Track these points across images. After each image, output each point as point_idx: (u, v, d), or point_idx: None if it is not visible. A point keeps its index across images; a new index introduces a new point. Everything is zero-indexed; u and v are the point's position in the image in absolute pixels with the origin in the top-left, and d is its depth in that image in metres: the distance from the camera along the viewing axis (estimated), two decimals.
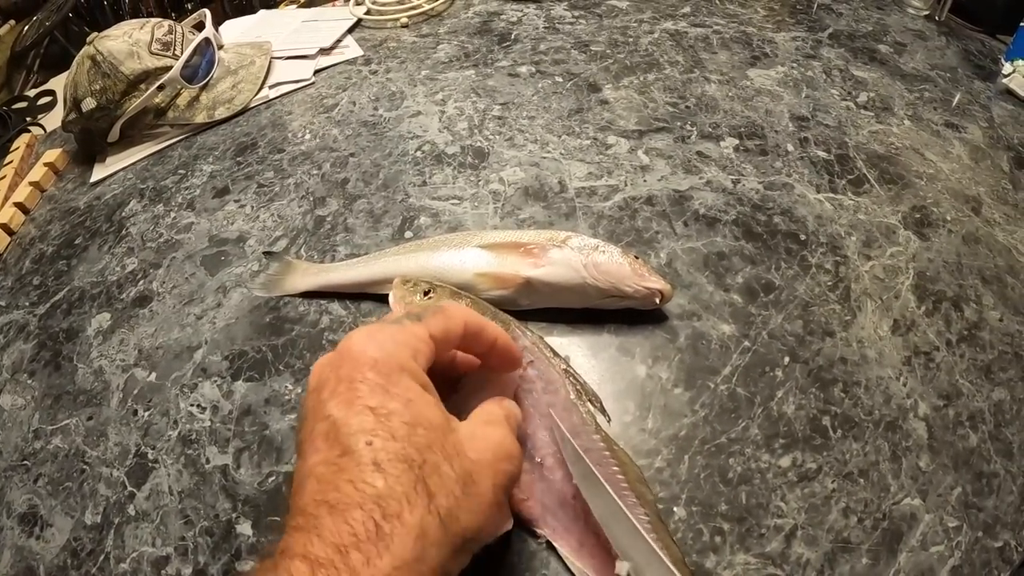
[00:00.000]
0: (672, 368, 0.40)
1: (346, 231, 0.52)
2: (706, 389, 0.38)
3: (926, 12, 0.76)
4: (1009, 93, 0.62)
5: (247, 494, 0.37)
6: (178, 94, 0.67)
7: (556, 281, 0.41)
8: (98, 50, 0.63)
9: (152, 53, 0.65)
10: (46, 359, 0.47)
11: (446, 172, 0.56)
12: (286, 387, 0.41)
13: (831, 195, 0.51)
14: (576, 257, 0.41)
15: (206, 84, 0.69)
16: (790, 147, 0.56)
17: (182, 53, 0.66)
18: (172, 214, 0.57)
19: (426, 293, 0.38)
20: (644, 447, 0.36)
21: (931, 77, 0.64)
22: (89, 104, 0.63)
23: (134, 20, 0.68)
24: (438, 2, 0.84)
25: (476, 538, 0.24)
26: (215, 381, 0.43)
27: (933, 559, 0.31)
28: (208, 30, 0.70)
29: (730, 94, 0.63)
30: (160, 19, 0.69)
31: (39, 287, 0.53)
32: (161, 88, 0.65)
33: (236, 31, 0.87)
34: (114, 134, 0.66)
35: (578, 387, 0.34)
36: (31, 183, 0.64)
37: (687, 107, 0.61)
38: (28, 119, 0.81)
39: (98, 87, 0.63)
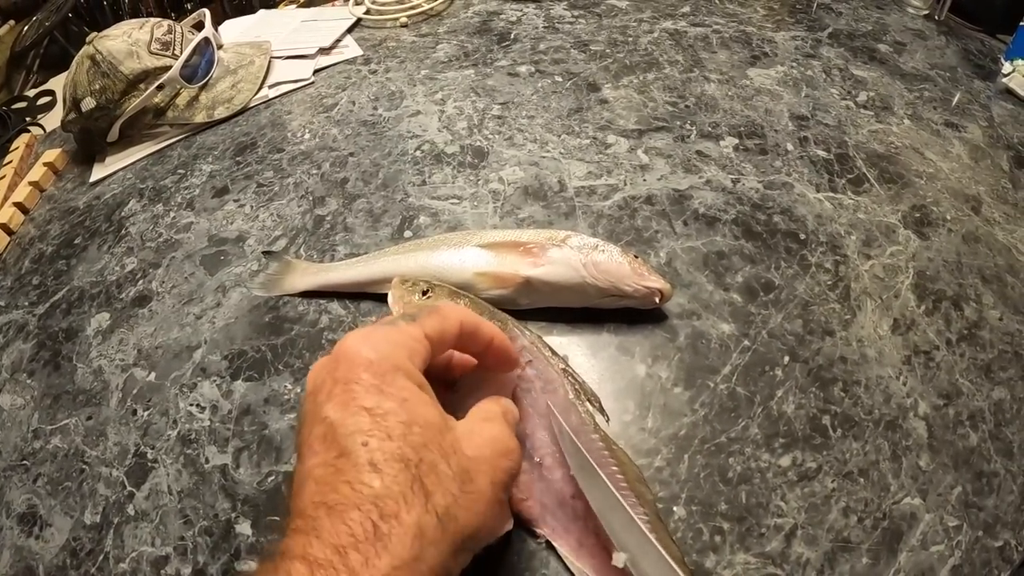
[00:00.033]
0: (672, 367, 0.40)
1: (345, 231, 0.52)
2: (706, 388, 0.38)
3: (926, 11, 0.76)
4: (1009, 92, 0.62)
5: (246, 494, 0.37)
6: (177, 94, 0.67)
7: (555, 280, 0.41)
8: (97, 50, 0.63)
9: (151, 53, 0.65)
10: (45, 359, 0.47)
11: (445, 171, 0.56)
12: (285, 386, 0.41)
13: (831, 194, 0.51)
14: (575, 256, 0.41)
15: (205, 84, 0.69)
16: (790, 146, 0.56)
17: (181, 53, 0.66)
18: (171, 214, 0.57)
19: (424, 293, 0.38)
20: (644, 446, 0.36)
21: (931, 76, 0.64)
22: (88, 104, 0.63)
23: (133, 20, 0.68)
24: (437, 2, 0.84)
25: (476, 536, 0.24)
26: (214, 381, 0.43)
27: (933, 558, 0.31)
28: (207, 30, 0.70)
29: (730, 93, 0.63)
30: (159, 19, 0.69)
31: (38, 287, 0.53)
32: (160, 88, 0.65)
33: (235, 31, 0.87)
34: (113, 134, 0.66)
35: (577, 387, 0.34)
36: (31, 183, 0.64)
37: (687, 106, 0.61)
38: (28, 119, 0.81)
39: (97, 87, 0.63)
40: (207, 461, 0.38)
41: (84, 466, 0.40)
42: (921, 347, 0.40)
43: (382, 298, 0.41)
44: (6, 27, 1.21)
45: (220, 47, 0.73)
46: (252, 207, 0.56)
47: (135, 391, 0.43)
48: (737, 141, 0.57)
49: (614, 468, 0.31)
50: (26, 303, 0.52)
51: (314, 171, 0.59)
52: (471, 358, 0.32)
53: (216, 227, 0.55)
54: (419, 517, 0.22)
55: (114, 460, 0.40)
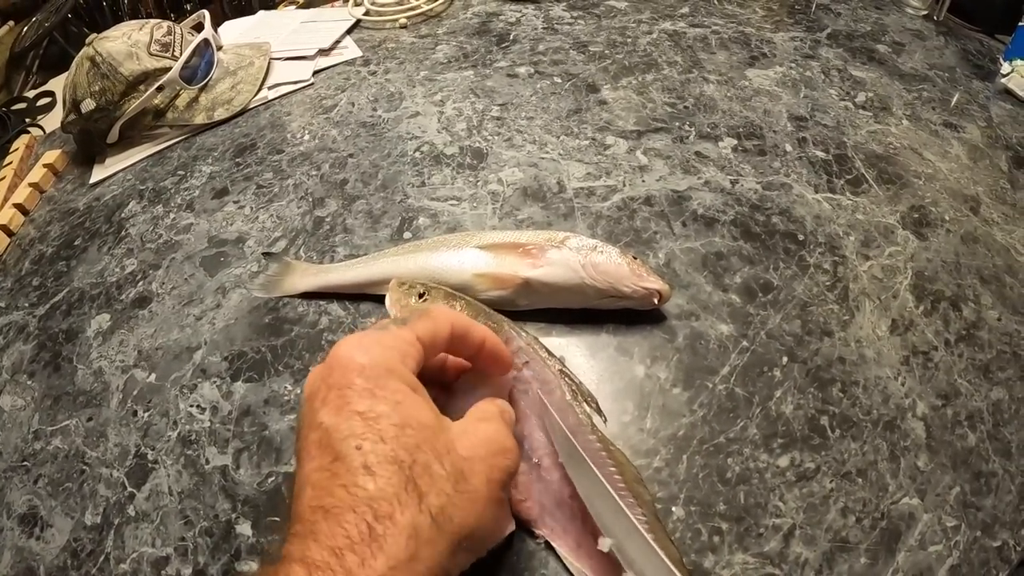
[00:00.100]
0: (670, 368, 0.40)
1: (345, 232, 0.52)
2: (704, 389, 0.38)
3: (925, 12, 0.76)
4: (1008, 93, 0.62)
5: (247, 494, 0.37)
6: (177, 95, 0.67)
7: (554, 281, 0.41)
8: (97, 51, 0.63)
9: (151, 54, 0.65)
10: (46, 360, 0.47)
11: (445, 173, 0.56)
12: (285, 387, 0.42)
13: (829, 195, 0.51)
14: (574, 257, 0.41)
15: (205, 85, 0.69)
16: (788, 147, 0.56)
17: (181, 54, 0.66)
18: (171, 215, 0.58)
19: (421, 295, 0.38)
20: (642, 447, 0.36)
21: (929, 77, 0.64)
22: (88, 105, 0.63)
23: (133, 21, 0.68)
24: (437, 3, 0.85)
25: (473, 536, 0.24)
26: (214, 382, 0.43)
27: (931, 558, 0.31)
28: (207, 31, 0.70)
29: (728, 94, 0.63)
30: (159, 20, 0.69)
31: (39, 288, 0.53)
32: (160, 89, 0.65)
33: (235, 32, 0.87)
34: (113, 135, 0.66)
35: (574, 387, 0.34)
36: (30, 184, 0.64)
37: (685, 107, 0.61)
38: (27, 120, 0.81)
39: (97, 88, 0.63)
40: (207, 462, 0.39)
41: (85, 467, 0.40)
42: (919, 347, 0.40)
43: (382, 299, 0.42)
44: (5, 28, 1.21)
45: (220, 48, 0.73)
46: (252, 208, 0.56)
47: (135, 392, 0.43)
48: (736, 142, 0.57)
49: (612, 469, 0.31)
50: (26, 304, 0.52)
51: (314, 172, 0.59)
52: (467, 362, 0.32)
53: (216, 228, 0.55)
54: (413, 517, 0.22)
55: (115, 461, 0.40)
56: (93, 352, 0.47)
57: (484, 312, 0.36)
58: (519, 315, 0.42)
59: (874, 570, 0.31)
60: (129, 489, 0.38)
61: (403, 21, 0.83)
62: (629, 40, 0.73)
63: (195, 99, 0.68)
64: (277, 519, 0.35)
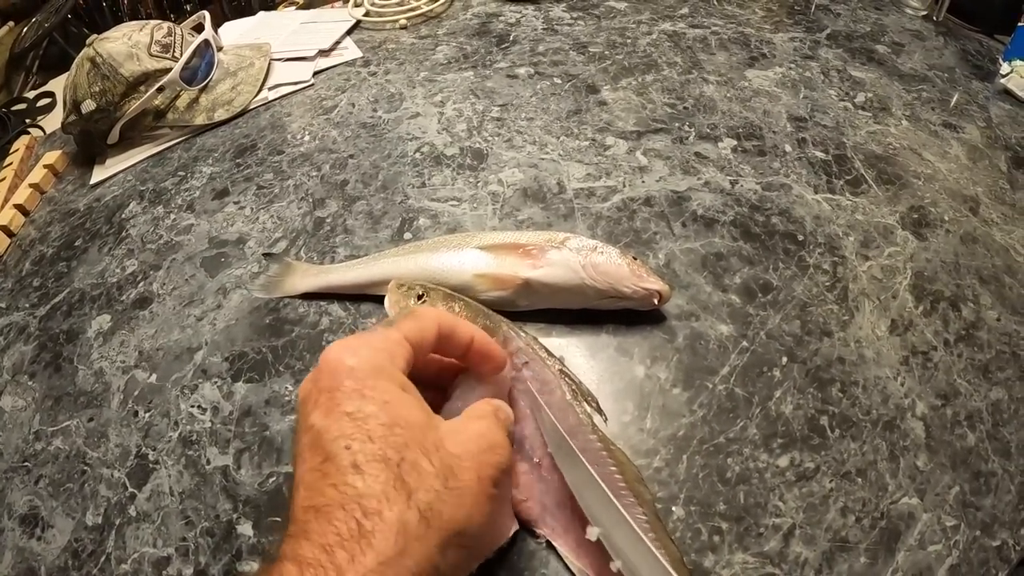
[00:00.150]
0: (670, 368, 0.40)
1: (345, 232, 0.52)
2: (704, 389, 0.39)
3: (924, 12, 0.76)
4: (1007, 93, 0.62)
5: (248, 495, 0.37)
6: (177, 96, 0.67)
7: (555, 282, 0.41)
8: (98, 52, 0.63)
9: (151, 55, 0.65)
10: (46, 361, 0.47)
11: (445, 173, 0.57)
12: (286, 388, 0.42)
13: (829, 195, 0.51)
14: (575, 258, 0.41)
15: (205, 86, 0.69)
16: (788, 148, 0.56)
17: (181, 55, 0.66)
18: (172, 216, 0.58)
19: (420, 297, 0.38)
20: (643, 447, 0.36)
21: (929, 77, 0.64)
22: (89, 106, 0.63)
23: (133, 22, 0.68)
24: (437, 4, 0.85)
25: (465, 532, 0.24)
26: (215, 382, 0.43)
27: (931, 558, 0.31)
28: (207, 32, 0.70)
29: (728, 95, 0.63)
30: (159, 21, 0.69)
31: (39, 289, 0.53)
32: (160, 90, 0.65)
33: (235, 33, 0.87)
34: (114, 136, 0.66)
35: (574, 387, 0.34)
36: (31, 185, 0.65)
37: (685, 108, 0.61)
38: (27, 121, 0.81)
39: (98, 89, 0.63)
40: (208, 462, 0.39)
41: (85, 467, 0.40)
42: (919, 348, 0.40)
43: (382, 300, 0.42)
44: (5, 28, 1.21)
45: (220, 49, 0.74)
46: (252, 209, 0.56)
47: (136, 393, 0.43)
48: (735, 142, 0.57)
49: (612, 469, 0.31)
50: (27, 305, 0.52)
51: (314, 173, 0.59)
52: (462, 364, 0.33)
53: (216, 229, 0.55)
54: (401, 513, 0.22)
55: (115, 461, 0.40)
56: (94, 353, 0.47)
57: (483, 313, 0.36)
58: (519, 315, 0.42)
59: (874, 570, 0.31)
60: (130, 489, 0.38)
61: (403, 22, 0.83)
62: (629, 41, 0.73)
63: (195, 100, 0.68)
64: (278, 519, 0.35)
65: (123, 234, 0.57)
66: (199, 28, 0.72)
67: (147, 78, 0.64)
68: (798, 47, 0.70)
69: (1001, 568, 0.31)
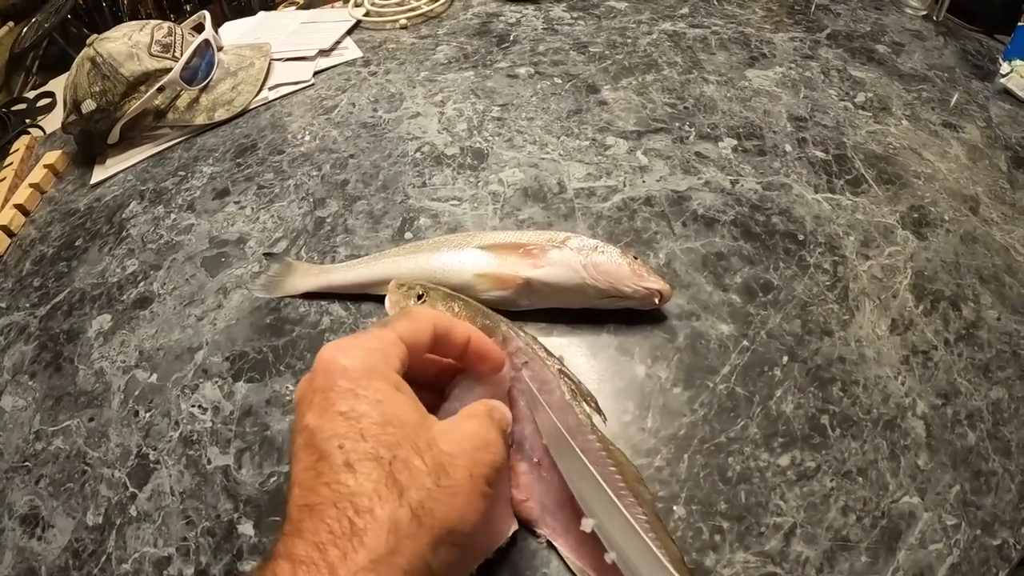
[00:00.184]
0: (671, 368, 0.40)
1: (346, 232, 0.52)
2: (705, 388, 0.39)
3: (924, 12, 0.76)
4: (1007, 93, 0.62)
5: (249, 494, 0.37)
6: (178, 96, 0.67)
7: (555, 281, 0.41)
8: (98, 52, 0.63)
9: (152, 55, 0.65)
10: (47, 360, 0.47)
11: (445, 173, 0.57)
12: (287, 388, 0.42)
13: (829, 195, 0.51)
14: (575, 258, 0.41)
15: (206, 86, 0.69)
16: (788, 147, 0.56)
17: (182, 55, 0.66)
18: (172, 216, 0.58)
19: (419, 297, 0.38)
20: (643, 446, 0.36)
21: (929, 77, 0.64)
22: (89, 106, 0.63)
23: (134, 22, 0.68)
24: (437, 3, 0.85)
25: (458, 530, 0.24)
26: (216, 382, 0.43)
27: (932, 557, 0.31)
28: (208, 32, 0.70)
29: (728, 95, 0.63)
30: (160, 21, 0.69)
31: (40, 288, 0.53)
32: (161, 90, 0.65)
33: (235, 33, 0.87)
34: (114, 136, 0.66)
35: (573, 387, 0.34)
36: (31, 185, 0.65)
37: (685, 108, 0.62)
38: (27, 121, 0.81)
39: (98, 89, 0.63)
40: (209, 462, 0.39)
41: (86, 467, 0.40)
42: (919, 347, 0.40)
43: (383, 299, 0.42)
44: (5, 28, 1.21)
45: (220, 49, 0.74)
46: (253, 209, 0.56)
47: (137, 392, 0.43)
48: (736, 142, 0.57)
49: (612, 469, 0.31)
50: (27, 305, 0.52)
51: (314, 173, 0.59)
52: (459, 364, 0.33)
53: (217, 229, 0.55)
54: (392, 511, 0.22)
55: (116, 461, 0.40)
56: (94, 352, 0.47)
57: (482, 312, 0.36)
58: (520, 315, 0.42)
59: (875, 569, 0.31)
60: (131, 489, 0.38)
61: (403, 22, 0.83)
62: (629, 41, 0.73)
63: (196, 100, 0.68)
64: (279, 519, 0.35)
65: (123, 234, 0.57)
66: (199, 28, 0.72)
67: (147, 78, 0.64)
68: (798, 47, 0.70)
69: (1002, 567, 0.31)
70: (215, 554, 0.34)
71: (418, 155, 0.59)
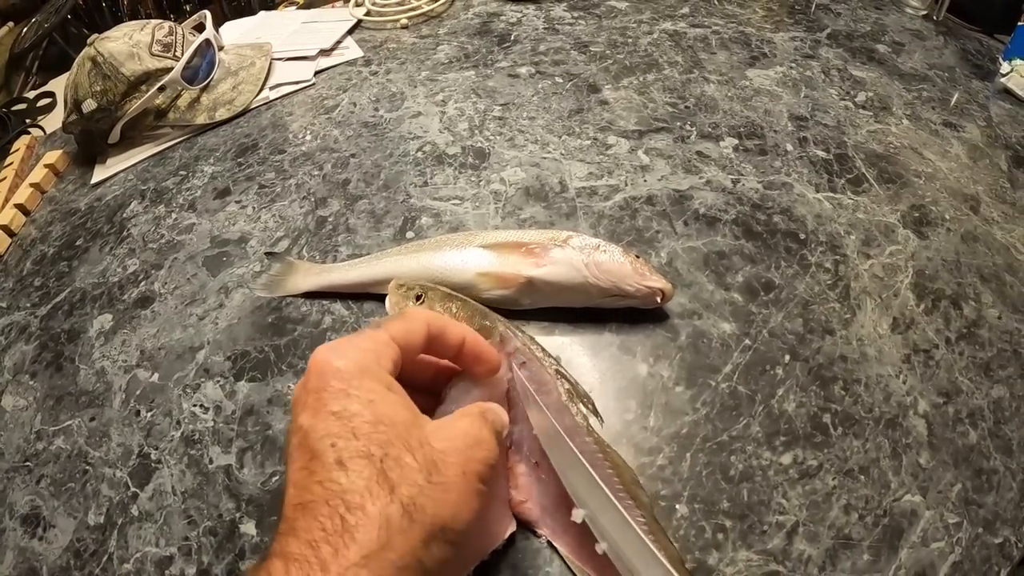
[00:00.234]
0: (673, 366, 0.40)
1: (348, 231, 0.52)
2: (707, 387, 0.39)
3: (924, 12, 0.76)
4: (1007, 92, 0.62)
5: (250, 494, 0.37)
6: (179, 95, 0.67)
7: (558, 280, 0.41)
8: (99, 51, 0.63)
9: (153, 54, 0.65)
10: (48, 360, 0.47)
11: (447, 172, 0.57)
12: (289, 387, 0.42)
13: (830, 194, 0.51)
14: (577, 256, 0.41)
15: (207, 85, 0.69)
16: (789, 147, 0.56)
17: (183, 54, 0.66)
18: (173, 215, 0.58)
19: (418, 298, 0.38)
20: (646, 445, 0.36)
21: (929, 76, 0.64)
22: (90, 105, 0.63)
23: (134, 22, 0.68)
24: (438, 3, 0.85)
25: (450, 527, 0.24)
26: (218, 381, 0.43)
27: (934, 555, 0.31)
28: (208, 31, 0.70)
29: (729, 94, 0.63)
30: (160, 21, 0.69)
31: (40, 288, 0.53)
32: (162, 89, 0.65)
33: (236, 32, 0.87)
34: (115, 135, 0.66)
35: (570, 388, 0.34)
36: (32, 184, 0.64)
37: (686, 107, 0.62)
38: (28, 121, 0.81)
39: (99, 88, 0.63)
40: (211, 461, 0.39)
41: (87, 467, 0.40)
42: (921, 346, 0.40)
43: (384, 299, 0.42)
44: (5, 29, 1.21)
45: (221, 49, 0.74)
46: (254, 208, 0.56)
47: (138, 392, 0.43)
48: (737, 142, 0.57)
49: (609, 471, 0.31)
50: (28, 304, 0.52)
51: (316, 172, 0.59)
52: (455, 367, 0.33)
53: (218, 228, 0.55)
54: (384, 508, 0.23)
55: (117, 461, 0.40)
56: (95, 352, 0.47)
57: (480, 312, 0.36)
58: (522, 314, 0.42)
59: (877, 567, 0.31)
60: (132, 489, 0.38)
61: (404, 21, 0.83)
62: (630, 40, 0.73)
63: (197, 99, 0.68)
64: (279, 519, 0.35)
65: (124, 233, 0.57)
66: (200, 27, 0.72)
67: (148, 77, 0.64)
68: (799, 46, 0.70)
69: (1003, 565, 0.31)
70: (217, 554, 0.34)
71: (419, 154, 0.59)
